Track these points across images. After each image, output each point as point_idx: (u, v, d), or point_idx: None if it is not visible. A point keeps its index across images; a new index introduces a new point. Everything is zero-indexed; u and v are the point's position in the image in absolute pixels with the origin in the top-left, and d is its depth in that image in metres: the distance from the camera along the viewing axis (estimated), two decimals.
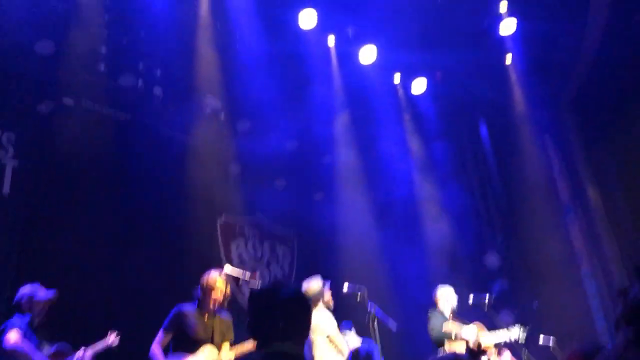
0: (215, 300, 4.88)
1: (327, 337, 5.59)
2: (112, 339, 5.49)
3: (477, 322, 6.28)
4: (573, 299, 8.53)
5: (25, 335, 4.81)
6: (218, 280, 4.90)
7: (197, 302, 4.92)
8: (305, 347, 5.65)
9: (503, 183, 9.99)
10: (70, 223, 7.08)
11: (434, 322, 6.21)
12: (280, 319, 2.15)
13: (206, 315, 4.88)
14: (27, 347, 4.78)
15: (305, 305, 2.24)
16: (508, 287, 9.31)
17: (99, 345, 5.37)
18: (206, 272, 4.97)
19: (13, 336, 4.72)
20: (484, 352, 5.87)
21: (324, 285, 5.81)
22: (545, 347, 6.41)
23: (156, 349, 4.69)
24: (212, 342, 4.83)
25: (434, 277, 8.77)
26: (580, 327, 8.31)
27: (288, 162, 9.50)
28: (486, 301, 6.32)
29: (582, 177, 9.17)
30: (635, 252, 8.62)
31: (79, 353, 5.25)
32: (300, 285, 2.41)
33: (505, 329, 6.17)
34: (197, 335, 4.77)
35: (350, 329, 6.94)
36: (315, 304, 5.72)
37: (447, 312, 6.36)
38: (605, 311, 8.44)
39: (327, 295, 5.80)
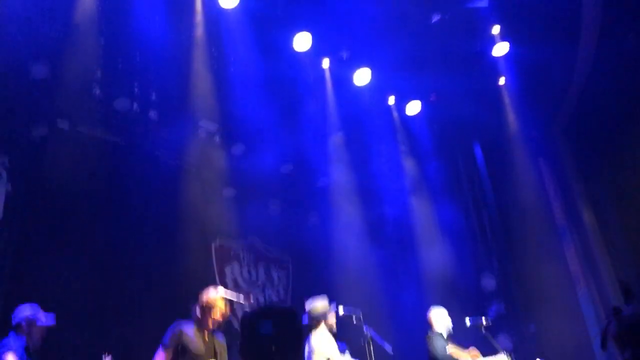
0: (214, 319, 4.78)
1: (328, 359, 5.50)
2: None
3: (473, 348, 6.23)
4: (570, 322, 8.46)
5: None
6: (218, 299, 4.82)
7: (194, 321, 4.80)
8: None
9: (498, 206, 9.99)
10: (64, 247, 7.01)
11: (436, 344, 6.13)
12: (272, 341, 2.11)
13: (205, 334, 4.78)
14: None
15: (297, 328, 2.20)
16: (505, 311, 9.24)
17: None
18: (205, 291, 4.88)
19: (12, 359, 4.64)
20: None
21: (329, 306, 5.75)
22: None
23: None
24: None
25: (429, 300, 8.71)
26: (578, 351, 8.22)
27: (283, 185, 9.49)
28: (483, 324, 6.27)
29: (576, 199, 9.17)
30: (631, 274, 8.59)
31: None
32: (292, 308, 2.36)
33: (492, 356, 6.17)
34: (199, 352, 4.65)
35: (344, 351, 6.83)
36: (317, 325, 5.63)
37: (444, 334, 6.30)
38: None
39: (331, 318, 5.72)
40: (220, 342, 4.90)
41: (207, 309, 4.78)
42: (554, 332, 8.46)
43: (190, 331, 4.71)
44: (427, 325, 6.47)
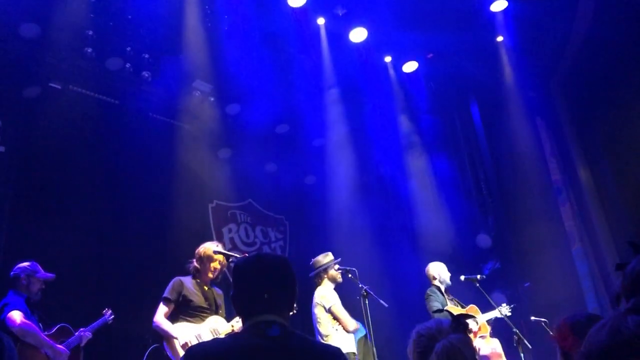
0: (214, 270, 4.86)
1: (329, 311, 5.60)
2: (107, 315, 5.60)
3: (472, 306, 6.29)
4: (564, 279, 8.55)
5: (26, 315, 4.80)
6: (216, 251, 4.88)
7: (192, 274, 4.89)
8: (313, 322, 5.70)
9: (494, 164, 9.97)
10: (58, 209, 7.04)
11: (432, 303, 6.17)
12: (264, 290, 2.10)
13: (204, 286, 4.87)
14: (33, 327, 4.78)
15: (290, 276, 2.19)
16: (499, 268, 9.32)
17: (97, 324, 5.45)
18: (202, 244, 4.96)
19: (18, 316, 4.69)
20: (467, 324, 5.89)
21: (332, 259, 5.84)
22: (537, 328, 6.45)
23: (161, 318, 4.59)
24: (216, 312, 4.84)
25: (424, 257, 8.77)
26: (572, 307, 8.33)
27: (278, 145, 9.45)
28: (477, 279, 6.33)
29: (573, 158, 9.16)
30: (625, 231, 8.64)
31: (80, 334, 5.30)
32: (283, 256, 2.35)
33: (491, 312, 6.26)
34: (201, 304, 4.74)
35: None
36: (321, 280, 5.81)
37: (442, 288, 6.35)
38: (596, 291, 8.47)
39: (333, 271, 5.82)
40: (219, 294, 5.00)
41: (205, 260, 4.85)
42: (547, 288, 8.55)
43: (190, 284, 4.79)
44: (427, 280, 6.54)
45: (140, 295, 6.53)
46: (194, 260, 4.90)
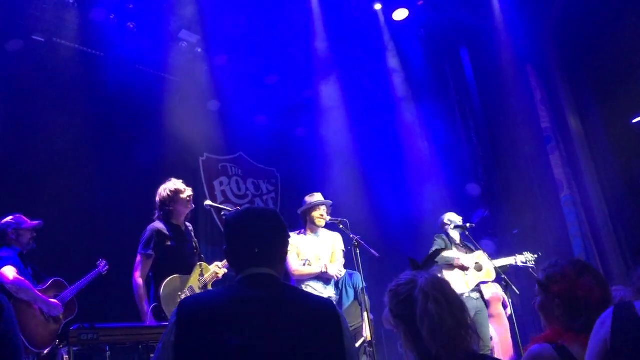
0: (185, 208, 4.58)
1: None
2: (101, 267, 5.60)
3: (480, 251, 6.36)
4: (552, 225, 8.67)
5: (19, 270, 4.72)
6: (180, 188, 4.60)
7: (162, 220, 4.51)
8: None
9: (485, 112, 9.92)
10: (44, 164, 6.97)
11: (437, 245, 6.28)
12: (255, 243, 2.12)
13: (181, 227, 4.57)
14: (26, 283, 4.70)
15: (280, 228, 2.21)
16: (489, 216, 9.43)
17: (90, 275, 5.44)
18: (162, 186, 4.60)
19: (10, 272, 4.60)
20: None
21: (318, 200, 5.72)
22: (524, 274, 6.58)
23: (140, 282, 4.24)
24: (199, 257, 4.58)
25: (415, 207, 8.86)
26: (559, 254, 8.50)
27: (268, 97, 9.35)
28: (467, 227, 6.41)
29: (563, 106, 9.12)
30: (613, 179, 8.74)
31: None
32: (274, 209, 2.35)
33: (511, 257, 6.37)
34: (185, 250, 4.47)
35: None
36: (304, 223, 5.74)
37: (456, 239, 6.44)
38: (583, 237, 8.61)
39: (317, 211, 5.66)
40: (191, 229, 4.74)
41: (173, 198, 4.54)
42: (535, 235, 8.70)
43: (165, 229, 4.45)
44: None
45: (132, 248, 6.55)
46: (163, 204, 4.52)
